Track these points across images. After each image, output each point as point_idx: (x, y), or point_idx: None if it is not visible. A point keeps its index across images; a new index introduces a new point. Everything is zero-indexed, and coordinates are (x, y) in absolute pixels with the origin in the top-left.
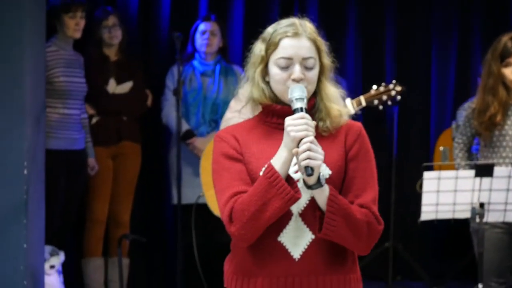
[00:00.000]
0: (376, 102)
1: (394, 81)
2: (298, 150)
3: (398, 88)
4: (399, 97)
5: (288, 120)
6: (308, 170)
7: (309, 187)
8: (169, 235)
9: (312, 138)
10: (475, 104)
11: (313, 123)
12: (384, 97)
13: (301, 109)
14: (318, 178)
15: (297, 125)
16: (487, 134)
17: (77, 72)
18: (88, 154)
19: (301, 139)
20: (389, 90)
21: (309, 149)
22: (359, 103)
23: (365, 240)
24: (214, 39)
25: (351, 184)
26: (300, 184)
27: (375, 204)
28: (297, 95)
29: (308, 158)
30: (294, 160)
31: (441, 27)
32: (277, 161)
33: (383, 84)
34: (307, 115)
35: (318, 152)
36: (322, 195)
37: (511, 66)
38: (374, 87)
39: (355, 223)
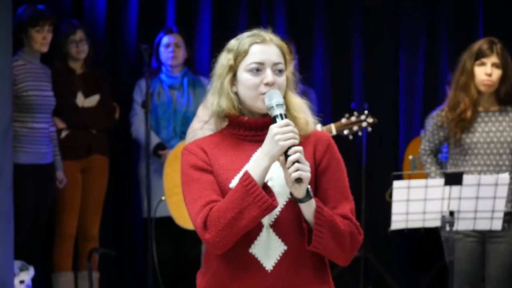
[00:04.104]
0: (346, 132)
1: (366, 112)
2: (287, 160)
3: (370, 120)
4: (370, 129)
5: (275, 128)
6: (298, 181)
7: (299, 200)
8: (139, 248)
9: (301, 148)
10: (447, 101)
11: (297, 130)
12: (355, 128)
13: (281, 115)
14: (307, 191)
15: (285, 132)
16: (456, 132)
17: (45, 85)
18: (56, 167)
19: (287, 148)
20: (361, 121)
21: (298, 160)
22: (330, 131)
23: (348, 251)
24: (179, 51)
25: (327, 196)
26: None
27: (353, 214)
28: (275, 101)
29: (299, 169)
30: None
31: (409, 36)
32: (256, 169)
33: (355, 113)
34: (291, 122)
35: (306, 164)
36: (310, 208)
37: (484, 66)
38: (346, 115)
39: (340, 235)
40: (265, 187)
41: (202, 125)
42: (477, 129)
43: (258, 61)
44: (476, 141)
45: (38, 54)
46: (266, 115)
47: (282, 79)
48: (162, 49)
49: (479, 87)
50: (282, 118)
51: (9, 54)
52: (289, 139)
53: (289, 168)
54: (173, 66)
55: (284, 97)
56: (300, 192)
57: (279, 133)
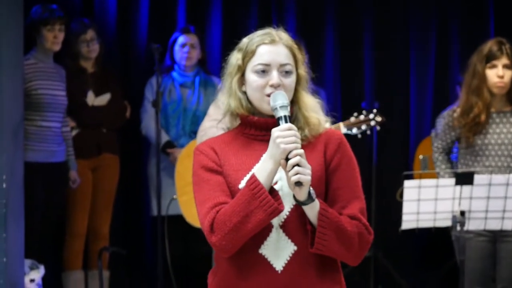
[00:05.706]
0: (355, 130)
1: (375, 111)
2: (287, 164)
3: (379, 119)
4: (378, 128)
5: (276, 132)
6: (298, 185)
7: (301, 203)
8: (149, 247)
9: (302, 151)
10: (459, 105)
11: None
12: (364, 127)
13: (285, 117)
14: (309, 193)
15: (286, 136)
16: (469, 136)
17: (56, 85)
18: (70, 167)
19: (289, 151)
20: (369, 120)
21: (298, 164)
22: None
23: (356, 252)
24: (194, 51)
25: (337, 195)
26: (280, 194)
27: (364, 214)
28: (280, 102)
29: (298, 173)
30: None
31: (419, 36)
32: (262, 173)
33: (363, 112)
34: (293, 126)
35: (306, 167)
36: (313, 210)
37: (495, 68)
38: (355, 114)
39: (346, 236)
40: (272, 190)
41: (217, 123)
42: (489, 131)
43: (264, 63)
44: (488, 142)
45: (51, 54)
46: None
47: (289, 80)
48: (177, 48)
49: (492, 90)
50: (285, 120)
51: (21, 53)
52: (291, 142)
53: (289, 171)
54: (186, 66)
55: (296, 97)
56: (301, 195)
57: (280, 137)
